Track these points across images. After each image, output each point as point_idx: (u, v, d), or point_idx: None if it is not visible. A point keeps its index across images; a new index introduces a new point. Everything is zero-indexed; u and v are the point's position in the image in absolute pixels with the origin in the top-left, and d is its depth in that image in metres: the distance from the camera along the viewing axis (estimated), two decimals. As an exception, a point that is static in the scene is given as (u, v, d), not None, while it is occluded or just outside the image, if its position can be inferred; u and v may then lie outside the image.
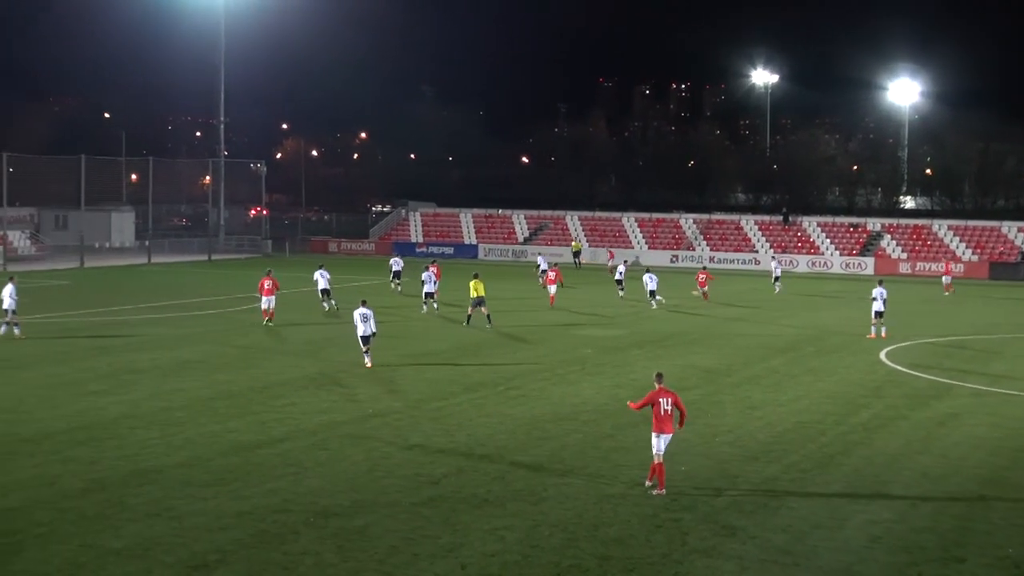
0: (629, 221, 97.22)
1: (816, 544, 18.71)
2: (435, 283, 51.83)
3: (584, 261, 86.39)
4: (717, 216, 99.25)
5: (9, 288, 42.05)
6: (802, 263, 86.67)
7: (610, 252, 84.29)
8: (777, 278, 65.28)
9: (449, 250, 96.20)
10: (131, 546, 18.06)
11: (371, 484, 21.79)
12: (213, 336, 42.92)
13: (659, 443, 21.28)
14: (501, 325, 46.59)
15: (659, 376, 21.97)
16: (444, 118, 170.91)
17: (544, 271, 70.96)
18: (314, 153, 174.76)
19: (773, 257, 74.27)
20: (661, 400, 21.49)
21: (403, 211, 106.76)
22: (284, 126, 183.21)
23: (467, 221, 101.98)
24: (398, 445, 24.99)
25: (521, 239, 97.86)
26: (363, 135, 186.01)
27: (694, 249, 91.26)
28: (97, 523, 19.17)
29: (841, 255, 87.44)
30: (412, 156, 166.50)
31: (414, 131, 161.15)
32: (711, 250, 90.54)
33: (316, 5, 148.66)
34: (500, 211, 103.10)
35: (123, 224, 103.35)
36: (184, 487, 21.38)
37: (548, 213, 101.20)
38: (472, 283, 46.66)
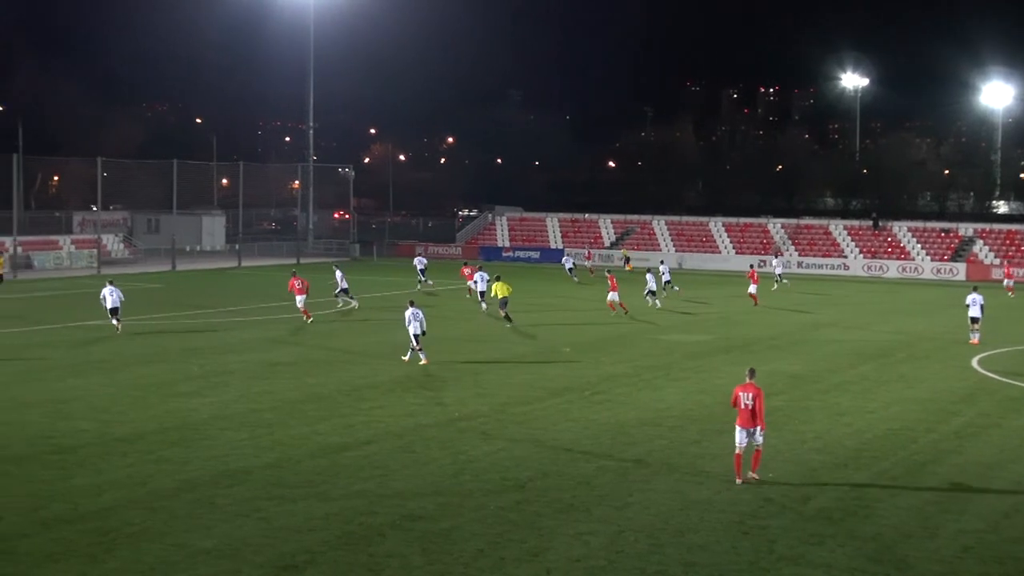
0: (716, 226, 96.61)
1: (907, 553, 18.46)
2: (485, 282, 52.88)
3: (671, 267, 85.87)
4: (806, 221, 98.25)
5: (108, 289, 44.19)
6: (892, 268, 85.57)
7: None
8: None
9: (535, 254, 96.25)
10: (221, 546, 18.28)
11: (457, 487, 21.87)
12: (301, 339, 43.31)
13: (739, 436, 22.03)
14: (586, 330, 46.61)
15: (750, 372, 22.60)
16: (530, 122, 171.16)
17: (571, 269, 72.57)
18: (401, 157, 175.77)
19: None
20: (741, 394, 22.20)
21: (489, 215, 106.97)
22: (372, 131, 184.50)
23: (553, 225, 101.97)
24: (484, 449, 25.06)
25: (607, 243, 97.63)
26: (450, 139, 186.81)
27: (782, 254, 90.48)
28: (188, 523, 19.44)
29: (932, 260, 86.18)
30: (499, 160, 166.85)
31: (501, 135, 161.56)
32: (799, 255, 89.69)
33: (404, 11, 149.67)
34: (586, 215, 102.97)
35: (214, 228, 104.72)
36: (273, 488, 21.60)
37: (634, 218, 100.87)
38: (495, 285, 48.42)
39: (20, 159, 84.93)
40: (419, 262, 67.21)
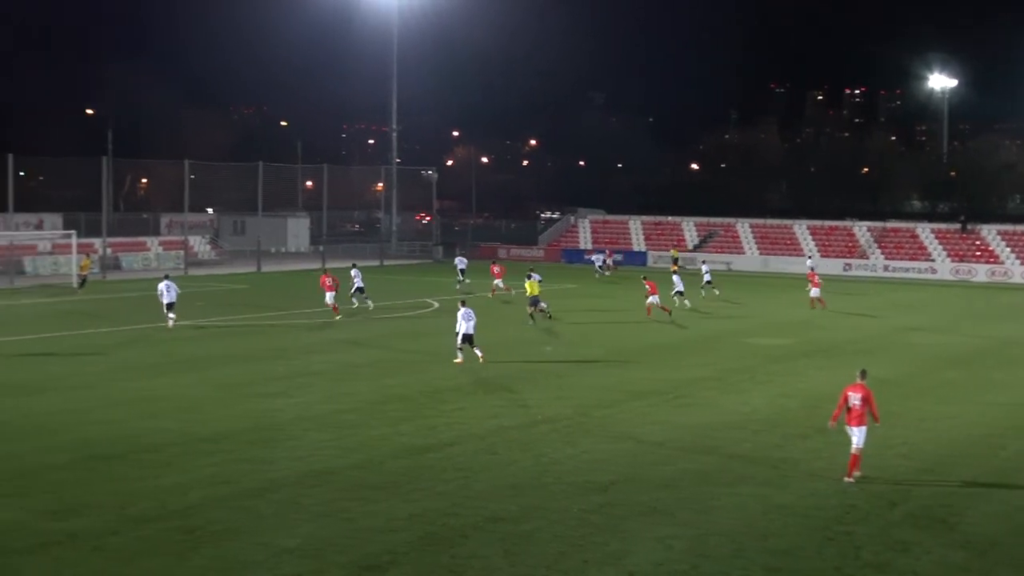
0: (801, 228, 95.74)
1: (996, 561, 18.17)
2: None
3: (756, 270, 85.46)
4: (892, 224, 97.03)
5: (165, 284, 46.37)
6: (981, 272, 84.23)
7: (609, 252, 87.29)
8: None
9: (618, 257, 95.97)
10: (304, 545, 18.42)
11: (539, 490, 21.86)
12: (383, 341, 43.54)
13: (851, 435, 22.46)
14: (667, 332, 46.45)
15: (861, 373, 23.02)
16: (613, 125, 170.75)
17: (601, 268, 73.16)
18: (484, 160, 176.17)
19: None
20: (850, 394, 22.55)
21: (572, 217, 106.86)
22: (455, 133, 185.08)
23: (636, 228, 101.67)
24: (566, 451, 25.03)
25: (691, 246, 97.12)
26: (532, 142, 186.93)
27: (868, 258, 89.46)
28: (272, 522, 19.61)
29: (1022, 264, 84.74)
30: (581, 163, 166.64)
31: (583, 138, 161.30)
32: (885, 259, 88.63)
33: (488, 14, 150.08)
34: (669, 218, 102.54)
35: (298, 229, 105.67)
36: (356, 489, 21.73)
37: (718, 220, 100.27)
38: (527, 283, 49.52)
39: (110, 162, 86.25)
40: (460, 262, 68.95)
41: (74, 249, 70.13)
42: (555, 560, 17.86)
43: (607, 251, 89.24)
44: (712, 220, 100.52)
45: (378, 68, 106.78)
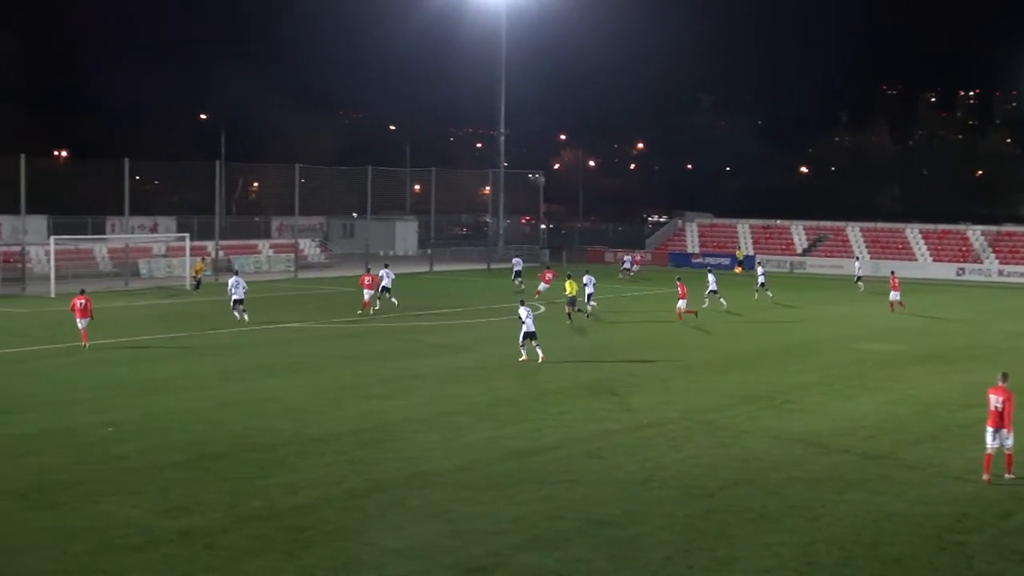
0: (912, 232, 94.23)
1: (1113, 574, 17.74)
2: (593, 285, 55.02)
3: (866, 274, 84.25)
4: (1007, 228, 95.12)
5: (234, 280, 49.19)
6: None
7: (637, 257, 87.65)
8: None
9: (725, 260, 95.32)
10: (411, 546, 18.55)
11: (644, 494, 21.78)
12: (490, 343, 43.65)
13: (988, 437, 22.78)
14: (776, 336, 46.05)
15: (1003, 376, 23.40)
16: (721, 128, 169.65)
17: (626, 270, 73.30)
18: (591, 163, 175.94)
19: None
20: (992, 397, 23.01)
21: (679, 221, 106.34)
22: (562, 137, 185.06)
23: (744, 232, 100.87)
24: (672, 456, 24.91)
25: (799, 250, 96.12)
26: (640, 145, 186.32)
27: (982, 262, 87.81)
28: (379, 522, 19.78)
29: None
30: (689, 166, 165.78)
31: (691, 141, 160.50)
32: (1000, 263, 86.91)
33: (596, 18, 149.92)
34: (778, 222, 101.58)
35: (407, 233, 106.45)
36: (462, 491, 21.84)
37: (827, 224, 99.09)
38: (567, 283, 50.74)
39: (222, 166, 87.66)
40: (516, 263, 72.17)
41: (187, 252, 71.40)
42: (661, 565, 17.78)
43: (636, 255, 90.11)
44: (821, 224, 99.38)
45: (486, 72, 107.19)
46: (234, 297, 48.35)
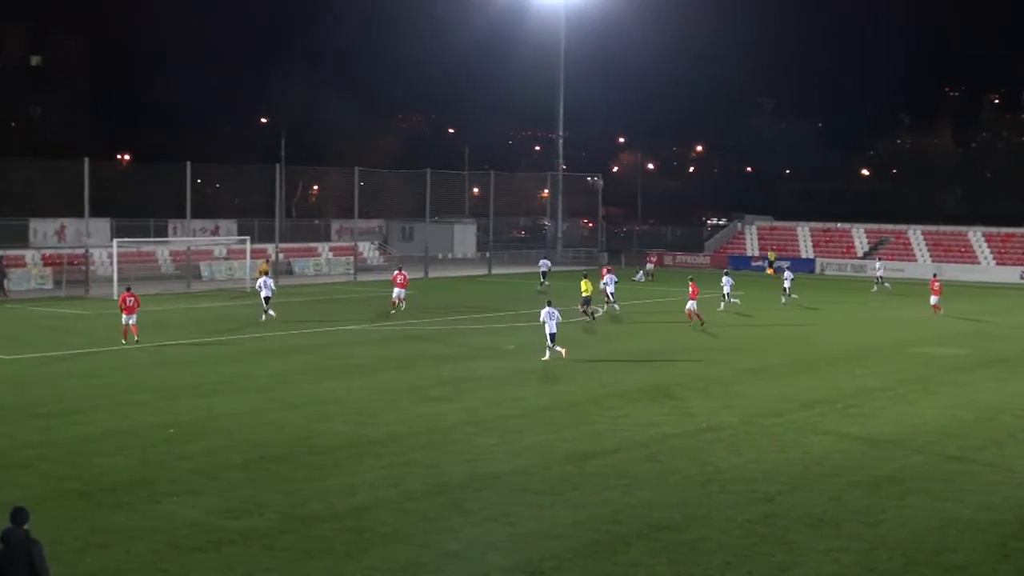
0: (975, 235, 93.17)
1: None
2: (614, 284, 56.84)
3: (927, 278, 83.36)
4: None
5: (264, 280, 51.31)
6: None
7: (656, 258, 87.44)
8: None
9: (785, 264, 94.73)
10: (469, 549, 18.58)
11: (704, 498, 21.69)
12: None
13: None
14: (838, 340, 45.75)
15: None
16: (781, 130, 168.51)
17: (647, 272, 73.60)
18: (650, 166, 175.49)
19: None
20: None
21: (739, 224, 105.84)
22: (620, 140, 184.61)
23: (804, 235, 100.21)
24: (731, 460, 24.79)
25: (860, 253, 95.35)
26: (699, 148, 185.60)
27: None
28: (437, 525, 19.82)
29: None
30: (748, 169, 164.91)
31: (750, 144, 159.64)
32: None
33: (655, 21, 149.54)
34: (838, 225, 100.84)
35: (465, 235, 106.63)
36: (520, 494, 21.84)
37: (888, 227, 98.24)
38: (582, 282, 52.15)
39: (282, 169, 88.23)
40: (543, 264, 73.69)
41: (248, 254, 71.91)
42: (720, 570, 17.70)
43: (655, 258, 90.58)
44: (883, 227, 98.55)
45: (545, 75, 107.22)
46: (263, 295, 50.53)
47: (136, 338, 41.90)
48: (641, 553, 18.45)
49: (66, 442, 25.80)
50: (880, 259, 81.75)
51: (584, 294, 51.51)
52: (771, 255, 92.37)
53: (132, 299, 42.33)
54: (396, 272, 56.64)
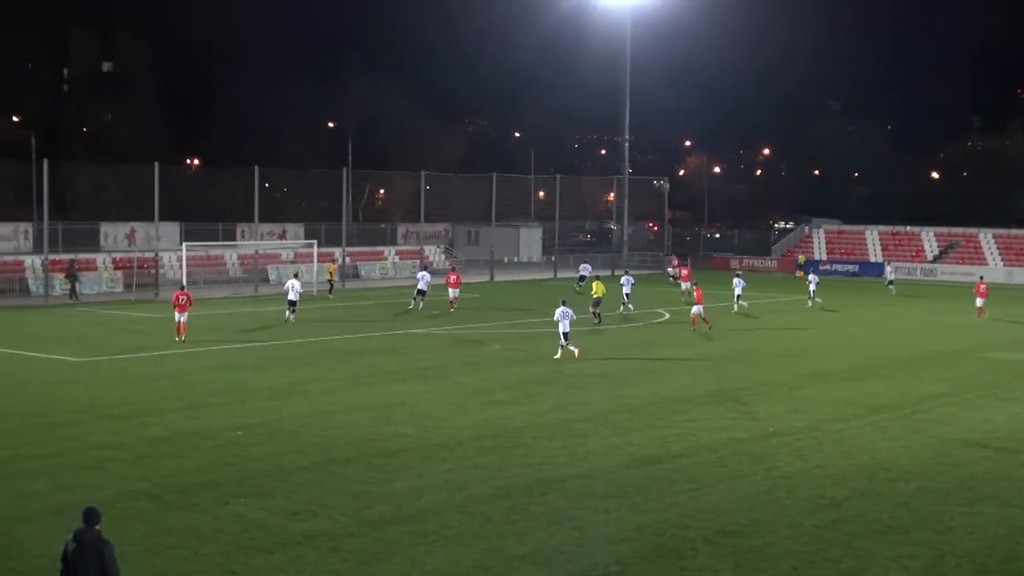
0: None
1: None
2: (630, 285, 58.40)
3: (999, 282, 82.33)
4: None
5: (295, 283, 51.89)
6: None
7: (677, 262, 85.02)
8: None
9: (853, 268, 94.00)
10: (534, 552, 18.60)
11: (770, 504, 21.58)
12: (615, 350, 43.59)
13: None
14: (906, 345, 45.34)
15: None
16: (850, 133, 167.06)
17: (674, 277, 73.03)
18: (716, 170, 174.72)
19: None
20: None
21: (806, 228, 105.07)
22: (687, 143, 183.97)
23: (872, 238, 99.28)
24: (798, 465, 24.63)
25: (930, 257, 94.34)
26: (766, 151, 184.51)
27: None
28: (502, 528, 19.86)
29: None
30: (816, 172, 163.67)
31: (818, 146, 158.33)
32: None
33: (721, 24, 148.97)
34: (907, 228, 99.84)
35: (531, 239, 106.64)
36: (585, 498, 21.84)
37: (959, 230, 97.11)
38: (594, 284, 53.33)
39: (349, 173, 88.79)
40: (584, 269, 74.17)
41: (315, 258, 72.40)
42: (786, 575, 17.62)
43: (677, 262, 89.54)
44: (953, 230, 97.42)
45: (611, 78, 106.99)
46: (288, 298, 51.33)
47: (183, 337, 43.25)
48: (707, 558, 18.39)
49: (136, 443, 26.12)
50: (890, 262, 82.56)
51: (595, 295, 52.21)
52: (800, 258, 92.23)
53: (184, 297, 44.10)
54: (449, 273, 59.66)
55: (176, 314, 43.78)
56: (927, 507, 21.48)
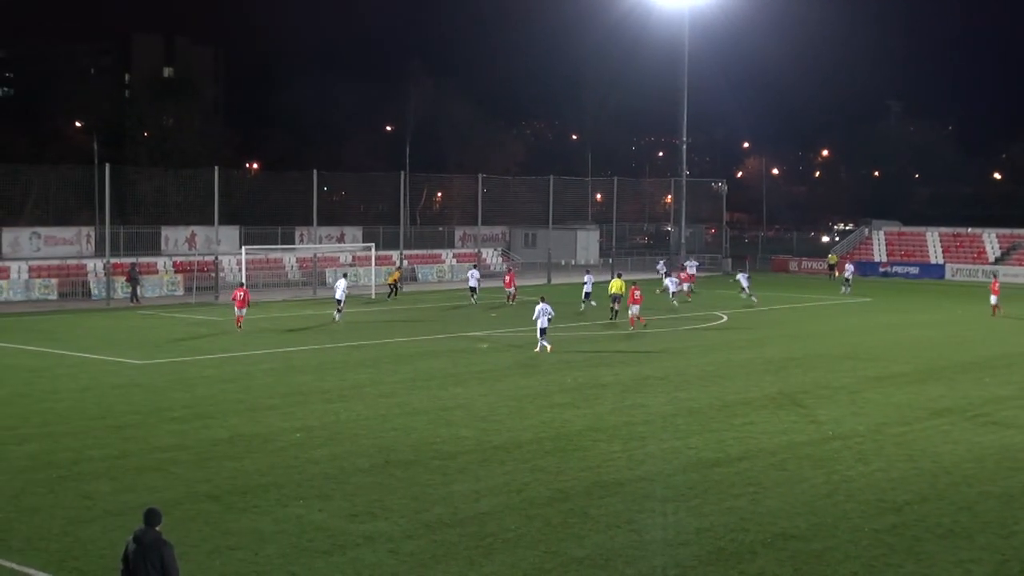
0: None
1: None
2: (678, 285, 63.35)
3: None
4: None
5: (343, 283, 54.03)
6: None
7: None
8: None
9: (914, 270, 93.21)
10: (593, 555, 18.57)
11: (830, 507, 21.42)
12: (673, 353, 43.44)
13: None
14: (971, 348, 44.87)
15: None
16: (911, 134, 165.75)
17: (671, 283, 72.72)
18: (775, 171, 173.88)
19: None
20: None
21: (866, 229, 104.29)
22: (745, 145, 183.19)
23: (933, 240, 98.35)
24: (859, 469, 24.43)
25: (992, 259, 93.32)
26: (825, 152, 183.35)
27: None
28: (561, 531, 19.84)
29: None
30: (876, 173, 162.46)
31: (879, 147, 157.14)
32: None
33: (780, 25, 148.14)
34: (969, 230, 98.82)
35: (588, 242, 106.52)
36: (644, 501, 21.79)
37: (1021, 232, 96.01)
38: (613, 281, 54.68)
39: (407, 177, 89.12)
40: (588, 280, 73.00)
41: (373, 261, 72.70)
42: (847, 580, 17.48)
43: (685, 274, 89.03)
44: (1016, 232, 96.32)
45: (668, 80, 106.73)
46: (336, 297, 53.48)
47: (239, 328, 48.22)
48: (767, 562, 18.28)
49: (197, 445, 26.33)
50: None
51: (612, 292, 53.58)
52: (832, 258, 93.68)
53: (242, 293, 49.15)
54: (506, 273, 65.06)
55: (236, 308, 48.72)
56: (990, 511, 21.24)
